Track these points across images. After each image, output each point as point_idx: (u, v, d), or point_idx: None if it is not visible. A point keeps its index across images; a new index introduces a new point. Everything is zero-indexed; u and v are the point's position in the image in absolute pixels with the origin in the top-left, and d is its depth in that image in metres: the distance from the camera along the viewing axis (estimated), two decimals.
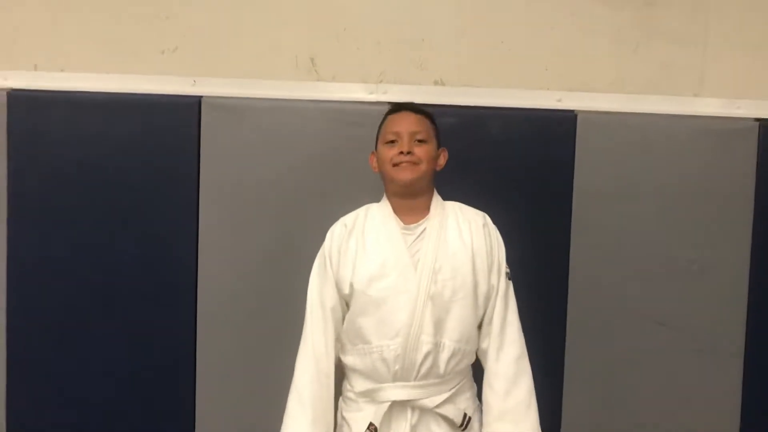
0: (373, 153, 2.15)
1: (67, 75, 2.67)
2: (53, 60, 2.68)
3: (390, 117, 2.12)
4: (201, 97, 2.61)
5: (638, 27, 2.67)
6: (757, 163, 2.63)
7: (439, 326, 1.97)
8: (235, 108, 2.61)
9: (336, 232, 2.11)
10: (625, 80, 2.67)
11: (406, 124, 2.06)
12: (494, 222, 2.10)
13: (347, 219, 2.14)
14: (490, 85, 2.67)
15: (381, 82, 2.66)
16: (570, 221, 2.63)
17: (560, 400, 2.65)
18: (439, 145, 2.11)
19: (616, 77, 2.68)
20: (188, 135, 2.60)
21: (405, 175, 2.02)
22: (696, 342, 2.65)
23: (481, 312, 2.04)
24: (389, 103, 2.61)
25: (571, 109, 2.63)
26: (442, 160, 2.12)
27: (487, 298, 2.04)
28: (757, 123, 2.62)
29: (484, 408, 2.03)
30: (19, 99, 2.63)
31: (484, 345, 2.05)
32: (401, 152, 2.02)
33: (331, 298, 2.06)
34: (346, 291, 2.04)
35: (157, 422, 2.68)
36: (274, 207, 2.62)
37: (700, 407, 2.67)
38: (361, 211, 2.14)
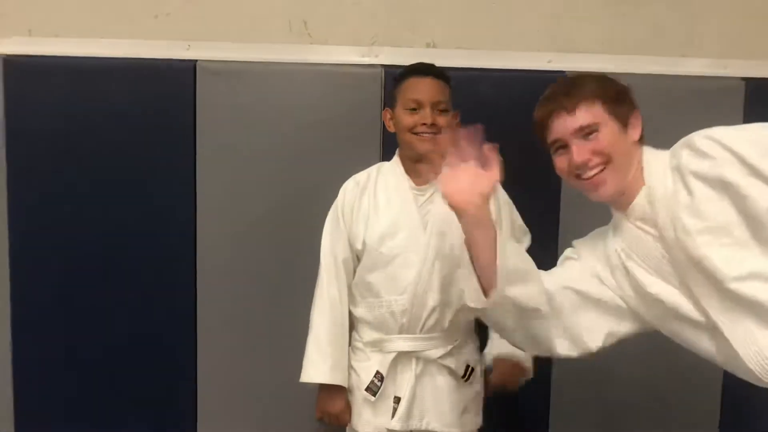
0: (386, 110, 2.16)
1: (61, 40, 2.67)
2: (47, 25, 2.68)
3: (412, 80, 2.11)
4: (196, 61, 2.61)
5: None
6: (744, 121, 2.64)
7: (446, 284, 2.04)
8: (229, 72, 2.62)
9: (349, 189, 2.20)
10: (614, 41, 2.71)
11: (429, 92, 2.07)
12: None
13: (360, 177, 2.21)
14: (481, 47, 2.70)
15: (373, 44, 2.68)
16: (560, 184, 2.66)
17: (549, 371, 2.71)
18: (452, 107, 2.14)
19: (605, 38, 2.71)
20: (183, 99, 2.61)
21: (426, 146, 2.07)
22: None
23: None
24: (382, 65, 2.64)
25: (561, 69, 2.65)
26: (456, 121, 2.15)
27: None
28: (744, 82, 2.66)
29: None
30: (14, 65, 2.62)
31: None
32: (424, 123, 2.05)
33: (343, 251, 2.16)
34: (359, 247, 2.13)
35: (159, 392, 2.70)
36: (271, 170, 2.64)
37: (681, 382, 2.72)
38: (373, 170, 2.22)
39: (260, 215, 2.65)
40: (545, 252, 2.57)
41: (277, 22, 2.68)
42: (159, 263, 2.66)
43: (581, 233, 2.64)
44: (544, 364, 2.67)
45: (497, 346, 2.11)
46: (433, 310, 2.06)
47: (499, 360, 2.12)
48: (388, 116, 2.17)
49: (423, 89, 2.08)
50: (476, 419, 2.16)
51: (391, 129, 2.15)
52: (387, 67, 2.62)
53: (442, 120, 2.07)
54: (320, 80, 2.64)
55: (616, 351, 2.64)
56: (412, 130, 2.07)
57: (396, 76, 2.21)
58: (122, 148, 2.64)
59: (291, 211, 2.63)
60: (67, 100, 2.64)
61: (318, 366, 2.13)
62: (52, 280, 2.67)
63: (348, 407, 2.16)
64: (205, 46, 2.66)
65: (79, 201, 2.65)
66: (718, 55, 2.71)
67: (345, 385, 2.14)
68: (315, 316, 2.17)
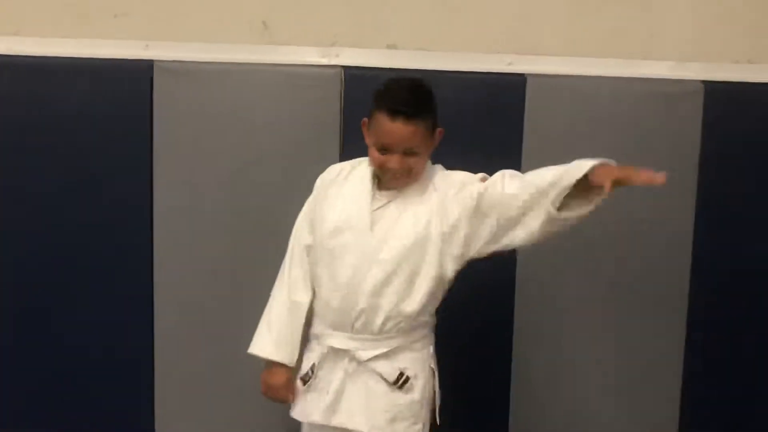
0: (365, 121, 2.10)
1: (20, 39, 2.64)
2: (6, 24, 2.65)
3: (383, 120, 1.98)
4: (153, 61, 2.60)
5: None
6: (703, 123, 2.68)
7: (377, 290, 2.04)
8: (188, 72, 2.60)
9: (323, 177, 2.22)
10: (575, 43, 2.70)
11: (398, 138, 1.98)
12: None
13: (335, 167, 2.23)
14: (442, 48, 2.69)
15: (334, 45, 2.67)
16: None
17: (510, 355, 2.73)
18: (435, 126, 2.08)
19: (565, 40, 2.70)
20: (141, 99, 2.59)
21: (394, 183, 2.08)
22: (641, 299, 2.72)
23: (429, 281, 2.07)
24: (342, 66, 2.63)
25: (521, 72, 2.66)
26: (437, 140, 2.11)
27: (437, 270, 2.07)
28: (703, 85, 2.66)
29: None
30: None
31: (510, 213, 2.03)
32: (392, 167, 2.02)
33: (307, 237, 2.19)
34: (314, 236, 2.16)
35: (115, 394, 2.71)
36: (229, 170, 2.63)
37: (643, 365, 2.76)
38: (351, 164, 2.20)
39: (218, 215, 2.64)
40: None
41: (236, 22, 2.66)
42: (116, 263, 2.65)
43: None
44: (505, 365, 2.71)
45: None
46: (362, 312, 2.05)
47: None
48: (366, 129, 2.10)
49: (391, 135, 1.99)
50: (413, 428, 2.11)
51: (369, 152, 2.09)
52: (347, 68, 2.61)
53: (412, 161, 2.02)
54: (279, 81, 2.62)
55: (579, 351, 2.72)
56: (381, 167, 2.04)
57: (374, 93, 2.07)
58: (79, 147, 2.62)
59: (249, 211, 2.62)
60: (24, 99, 2.62)
61: (265, 340, 2.17)
62: (6, 278, 2.66)
63: (289, 385, 2.17)
64: (163, 45, 2.63)
65: (36, 199, 2.64)
66: (678, 57, 2.71)
67: (290, 364, 2.16)
68: (272, 294, 2.22)
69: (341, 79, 2.60)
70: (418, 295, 2.07)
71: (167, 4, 2.66)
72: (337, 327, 2.10)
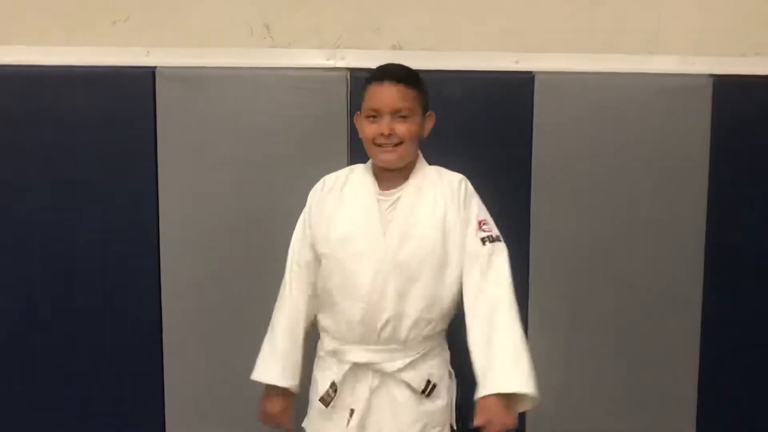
0: (357, 113, 2.09)
1: (17, 48, 2.61)
2: (2, 33, 2.61)
3: (372, 87, 2.01)
4: (155, 67, 2.56)
5: None
6: (712, 117, 2.66)
7: (402, 295, 1.98)
8: (190, 78, 2.57)
9: (317, 189, 2.13)
10: (581, 40, 2.68)
11: (387, 99, 1.98)
12: None
13: (329, 177, 2.15)
14: (447, 48, 2.66)
15: (338, 47, 2.64)
16: (530, 182, 2.65)
17: None
18: (426, 109, 2.07)
19: (572, 37, 2.68)
20: (144, 107, 2.56)
21: (385, 157, 2.01)
22: (654, 297, 2.69)
23: (455, 279, 2.03)
24: (347, 68, 2.60)
25: (529, 70, 2.63)
26: (429, 124, 2.08)
27: (461, 266, 2.03)
28: (711, 79, 2.64)
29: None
30: None
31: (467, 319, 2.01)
32: (382, 133, 1.98)
33: (307, 254, 2.10)
34: (321, 250, 2.07)
35: (125, 403, 2.68)
36: (234, 176, 2.59)
37: (659, 363, 2.72)
38: (344, 172, 2.15)
39: (224, 221, 2.61)
40: (516, 246, 2.57)
41: (238, 26, 2.63)
42: (122, 271, 2.62)
43: (552, 228, 2.66)
44: None
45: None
46: (388, 321, 1.98)
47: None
48: (358, 121, 2.10)
49: (380, 96, 1.99)
50: None
51: (361, 135, 2.09)
52: (352, 70, 2.58)
53: (402, 128, 1.98)
54: (284, 84, 2.59)
55: (592, 354, 2.69)
56: (374, 141, 2.01)
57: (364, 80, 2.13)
58: (83, 156, 2.59)
59: (255, 216, 2.59)
60: (24, 109, 2.59)
61: (269, 366, 2.09)
62: (14, 288, 2.62)
63: (288, 411, 2.11)
64: (164, 52, 2.60)
65: (40, 209, 2.61)
66: (685, 52, 2.69)
67: (293, 389, 2.09)
68: (274, 317, 2.14)
69: (347, 82, 2.57)
70: (446, 294, 2.01)
71: (167, 10, 2.62)
72: (359, 340, 2.01)
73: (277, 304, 2.14)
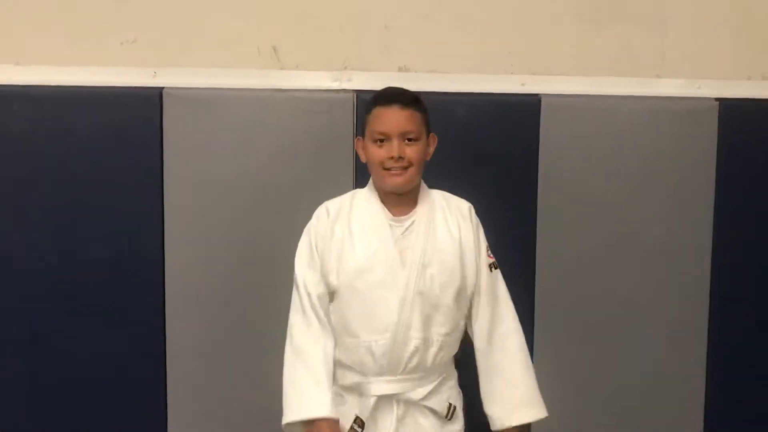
0: (358, 139, 2.08)
1: (22, 68, 2.60)
2: (8, 53, 2.61)
3: (378, 111, 2.00)
4: (162, 88, 2.56)
5: (599, 9, 2.68)
6: (718, 141, 2.66)
7: (427, 321, 1.97)
8: (197, 99, 2.57)
9: (321, 217, 2.07)
10: (587, 63, 2.69)
11: (396, 123, 1.97)
12: None
13: (331, 204, 2.10)
14: (454, 70, 2.66)
15: (345, 69, 2.64)
16: (536, 204, 2.64)
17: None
18: (428, 132, 2.06)
19: (578, 60, 2.69)
20: (150, 127, 2.55)
21: (394, 180, 1.99)
22: (660, 321, 2.69)
23: (467, 303, 2.04)
24: (354, 90, 2.60)
25: (535, 92, 2.64)
26: (432, 148, 2.08)
27: (474, 291, 2.04)
28: (717, 102, 2.65)
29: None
30: None
31: (477, 344, 2.06)
32: (391, 157, 1.97)
33: (318, 286, 2.02)
34: (333, 281, 2.00)
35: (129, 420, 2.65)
36: (240, 199, 2.58)
37: (665, 388, 2.71)
38: (347, 198, 2.10)
39: (228, 242, 2.59)
40: (522, 268, 2.58)
41: (245, 47, 2.63)
42: (128, 294, 2.60)
43: (558, 250, 2.65)
44: None
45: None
46: (416, 350, 1.96)
47: None
48: (360, 145, 2.09)
49: (388, 120, 1.98)
50: None
51: (364, 159, 2.08)
52: (359, 92, 2.58)
53: (411, 151, 1.98)
54: (291, 106, 2.59)
55: (599, 362, 2.67)
56: (382, 166, 1.99)
57: (366, 106, 2.13)
58: (88, 178, 2.58)
59: (260, 237, 2.58)
60: (30, 130, 2.57)
61: (321, 400, 1.94)
62: (19, 310, 2.60)
63: None
64: (171, 73, 2.60)
65: (45, 231, 2.59)
66: (691, 75, 2.70)
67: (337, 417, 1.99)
68: (300, 350, 2.00)
69: (354, 104, 2.57)
70: (462, 317, 2.03)
71: (175, 31, 2.62)
72: (382, 372, 1.96)
73: (302, 334, 2.01)
